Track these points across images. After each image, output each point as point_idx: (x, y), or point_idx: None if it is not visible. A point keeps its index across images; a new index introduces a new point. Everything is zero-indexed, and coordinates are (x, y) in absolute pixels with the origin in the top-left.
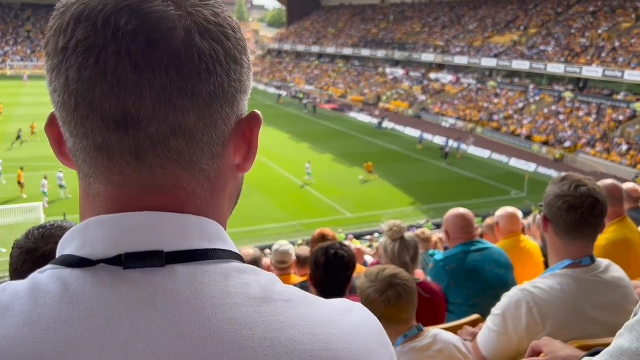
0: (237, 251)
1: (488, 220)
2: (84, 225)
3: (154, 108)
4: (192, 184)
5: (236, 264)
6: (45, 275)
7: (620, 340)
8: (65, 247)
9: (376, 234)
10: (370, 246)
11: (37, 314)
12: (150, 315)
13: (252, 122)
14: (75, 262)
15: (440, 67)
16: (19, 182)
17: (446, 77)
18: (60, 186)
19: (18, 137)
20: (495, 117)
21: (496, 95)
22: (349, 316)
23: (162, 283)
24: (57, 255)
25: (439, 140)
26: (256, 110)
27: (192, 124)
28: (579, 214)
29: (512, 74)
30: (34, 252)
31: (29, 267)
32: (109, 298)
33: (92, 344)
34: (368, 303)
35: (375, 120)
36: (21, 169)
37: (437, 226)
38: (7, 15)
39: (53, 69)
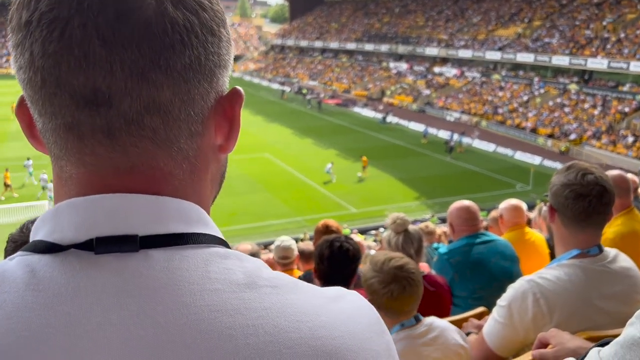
0: (222, 236)
1: (493, 214)
2: (55, 210)
3: (126, 83)
4: (170, 164)
5: (219, 249)
6: (13, 262)
7: (631, 329)
8: (37, 232)
9: (381, 229)
10: (375, 241)
11: (0, 302)
12: (122, 303)
13: (233, 99)
14: (44, 247)
15: (444, 61)
16: (5, 184)
17: (450, 71)
18: (44, 188)
19: None
20: (500, 110)
21: (501, 88)
22: (341, 304)
23: (136, 269)
24: (30, 240)
25: (443, 134)
26: (237, 87)
27: (168, 100)
28: (587, 203)
29: (516, 67)
30: None
31: None
32: (79, 284)
33: (57, 332)
34: (371, 293)
35: (379, 115)
36: (7, 170)
37: (443, 220)
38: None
39: (18, 45)
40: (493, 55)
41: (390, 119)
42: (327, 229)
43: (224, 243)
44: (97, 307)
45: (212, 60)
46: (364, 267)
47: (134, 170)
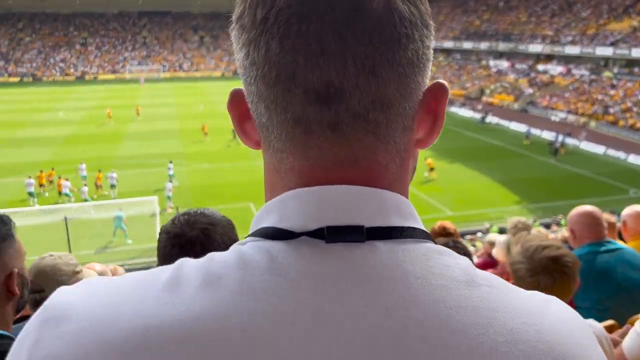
0: (428, 232)
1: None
2: (281, 200)
3: (357, 79)
4: (386, 158)
5: (432, 245)
6: (247, 247)
7: None
8: (261, 220)
9: (479, 234)
10: (474, 246)
11: (247, 284)
12: (357, 292)
13: (438, 94)
14: (276, 234)
15: (549, 58)
16: (96, 185)
17: (556, 69)
18: (112, 186)
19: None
20: (611, 110)
21: (612, 86)
22: (554, 308)
23: (365, 259)
24: (253, 228)
25: (547, 135)
26: (442, 81)
27: (392, 95)
28: None
29: (631, 63)
30: (180, 237)
31: (177, 252)
32: (315, 271)
33: (302, 317)
34: (517, 278)
35: (478, 115)
36: (99, 171)
37: (546, 227)
38: (126, 23)
39: (250, 42)
40: (604, 51)
41: (490, 118)
42: (444, 231)
43: (431, 238)
44: (334, 295)
45: (426, 53)
46: (513, 250)
47: (356, 164)
